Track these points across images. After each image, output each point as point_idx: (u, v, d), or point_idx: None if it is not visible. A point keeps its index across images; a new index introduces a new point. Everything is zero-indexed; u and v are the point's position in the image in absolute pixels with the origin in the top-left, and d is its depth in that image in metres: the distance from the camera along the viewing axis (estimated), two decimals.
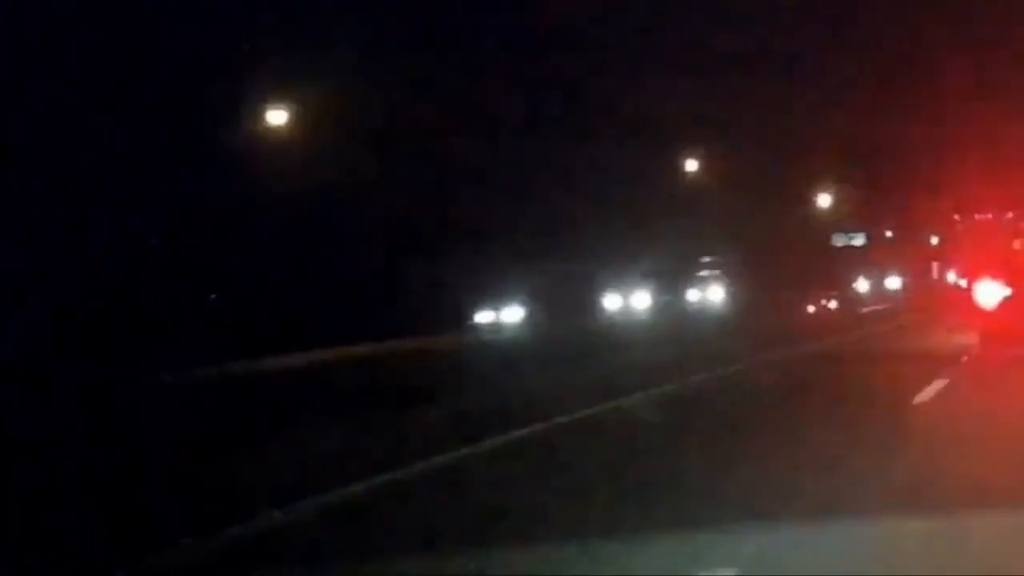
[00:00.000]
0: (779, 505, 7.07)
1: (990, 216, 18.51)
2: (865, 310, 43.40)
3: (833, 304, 47.45)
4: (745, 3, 41.53)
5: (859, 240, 62.11)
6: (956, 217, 19.57)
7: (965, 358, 17.11)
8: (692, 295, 52.36)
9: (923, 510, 6.37)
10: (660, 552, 4.67)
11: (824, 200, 57.59)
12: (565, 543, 6.05)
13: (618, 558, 5.71)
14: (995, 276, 17.84)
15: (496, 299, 40.51)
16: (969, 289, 18.29)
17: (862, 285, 57.22)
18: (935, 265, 60.35)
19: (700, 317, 44.16)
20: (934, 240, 62.60)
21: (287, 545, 7.30)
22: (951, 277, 56.95)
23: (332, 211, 31.81)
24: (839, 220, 59.01)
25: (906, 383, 13.85)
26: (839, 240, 61.72)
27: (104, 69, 26.17)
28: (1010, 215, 18.40)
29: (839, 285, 52.20)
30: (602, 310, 45.70)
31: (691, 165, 47.64)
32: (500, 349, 25.89)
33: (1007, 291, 17.64)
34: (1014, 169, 20.74)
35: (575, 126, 39.37)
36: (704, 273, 53.32)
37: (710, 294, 52.60)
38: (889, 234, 63.41)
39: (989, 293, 17.77)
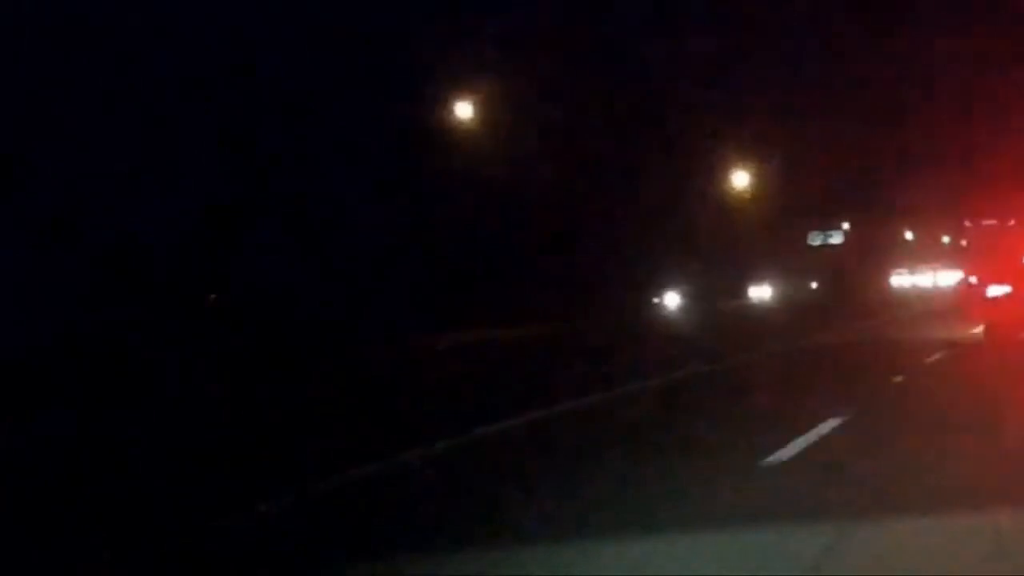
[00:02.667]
0: None
1: (995, 222, 21.57)
2: None
3: None
4: None
5: (836, 239, 58.46)
6: (967, 223, 22.46)
7: None
8: None
9: None
10: (667, 552, 5.26)
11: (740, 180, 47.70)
12: (566, 543, 6.33)
13: (617, 558, 6.07)
14: (1000, 276, 20.85)
15: None
16: (979, 287, 21.31)
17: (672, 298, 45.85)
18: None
19: None
20: (908, 235, 62.26)
21: None
22: (897, 280, 52.73)
23: None
24: (747, 206, 47.62)
25: None
26: (815, 239, 57.86)
27: None
28: (1012, 222, 21.31)
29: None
30: None
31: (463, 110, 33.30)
32: None
33: (1008, 288, 20.71)
34: (1016, 178, 23.44)
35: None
36: None
37: None
38: (846, 226, 59.39)
39: (995, 290, 20.82)
